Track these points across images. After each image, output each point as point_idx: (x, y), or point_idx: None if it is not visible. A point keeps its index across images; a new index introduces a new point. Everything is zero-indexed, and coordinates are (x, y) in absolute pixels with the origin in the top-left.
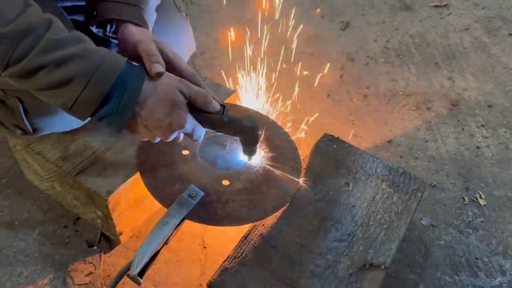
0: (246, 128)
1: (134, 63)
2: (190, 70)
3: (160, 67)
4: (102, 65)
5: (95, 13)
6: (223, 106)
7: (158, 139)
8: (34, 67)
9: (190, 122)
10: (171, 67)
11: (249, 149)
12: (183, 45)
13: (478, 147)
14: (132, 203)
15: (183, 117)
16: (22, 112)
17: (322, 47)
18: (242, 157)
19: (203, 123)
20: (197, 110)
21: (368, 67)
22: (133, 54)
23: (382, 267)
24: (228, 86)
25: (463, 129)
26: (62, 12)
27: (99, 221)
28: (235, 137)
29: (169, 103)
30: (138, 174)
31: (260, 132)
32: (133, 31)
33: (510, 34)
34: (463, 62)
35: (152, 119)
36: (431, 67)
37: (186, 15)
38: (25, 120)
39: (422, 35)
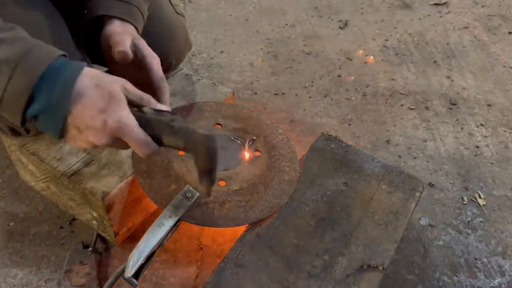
0: (200, 137)
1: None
2: (160, 74)
3: (125, 48)
4: (31, 53)
5: (85, 11)
6: (173, 113)
7: (94, 147)
8: None
9: (131, 123)
10: (142, 65)
11: (206, 172)
12: (177, 44)
13: (477, 147)
14: (128, 204)
15: (121, 115)
16: None
17: (320, 46)
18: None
19: (148, 130)
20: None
21: (366, 66)
22: (106, 44)
23: (380, 268)
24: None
25: (462, 128)
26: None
27: (94, 222)
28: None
29: (105, 98)
30: (133, 175)
31: (216, 147)
32: (115, 26)
33: (509, 33)
34: (462, 60)
35: (83, 117)
36: (430, 66)
37: (182, 14)
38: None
39: (421, 34)
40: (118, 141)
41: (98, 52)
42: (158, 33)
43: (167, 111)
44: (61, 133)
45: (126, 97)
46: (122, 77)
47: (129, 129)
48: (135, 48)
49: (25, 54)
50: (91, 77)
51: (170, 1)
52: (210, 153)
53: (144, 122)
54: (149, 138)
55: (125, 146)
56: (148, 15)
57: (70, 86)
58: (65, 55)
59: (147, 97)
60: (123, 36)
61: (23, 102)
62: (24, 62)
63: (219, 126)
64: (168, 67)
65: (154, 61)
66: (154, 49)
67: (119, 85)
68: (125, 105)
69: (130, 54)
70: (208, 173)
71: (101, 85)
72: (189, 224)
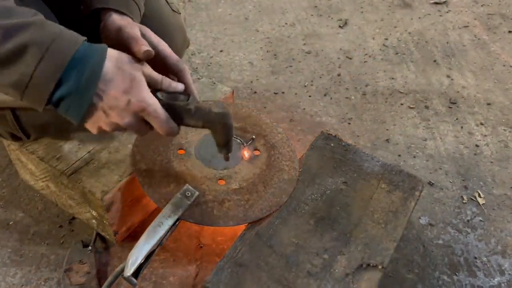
0: (216, 116)
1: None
2: (174, 56)
3: (148, 47)
4: (60, 36)
5: (82, 7)
6: (188, 95)
7: (115, 129)
8: None
9: (154, 102)
10: (156, 52)
11: (224, 144)
12: (175, 42)
13: (477, 146)
14: (128, 203)
15: (143, 95)
16: (14, 121)
17: (320, 45)
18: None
19: (169, 112)
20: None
21: (366, 65)
22: (115, 40)
23: (380, 267)
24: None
25: (462, 127)
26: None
27: (94, 221)
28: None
29: (128, 80)
30: (133, 174)
31: (231, 122)
32: (115, 19)
33: (509, 31)
34: (462, 59)
35: (109, 98)
36: (430, 65)
37: (178, 11)
38: (18, 128)
39: (421, 33)
40: (139, 122)
41: None
42: (155, 32)
43: (180, 93)
44: (84, 115)
45: (145, 77)
46: None
47: (152, 108)
48: (142, 35)
49: (56, 37)
50: (115, 59)
51: (166, 0)
52: (226, 128)
53: (164, 105)
54: (170, 119)
55: (145, 128)
56: (145, 15)
57: (98, 69)
58: (86, 40)
59: (163, 79)
60: (134, 29)
61: (52, 84)
62: (55, 45)
63: None
64: None
65: (165, 47)
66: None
67: (139, 67)
68: (146, 86)
69: (153, 51)
70: (226, 144)
71: (124, 67)
72: (188, 223)
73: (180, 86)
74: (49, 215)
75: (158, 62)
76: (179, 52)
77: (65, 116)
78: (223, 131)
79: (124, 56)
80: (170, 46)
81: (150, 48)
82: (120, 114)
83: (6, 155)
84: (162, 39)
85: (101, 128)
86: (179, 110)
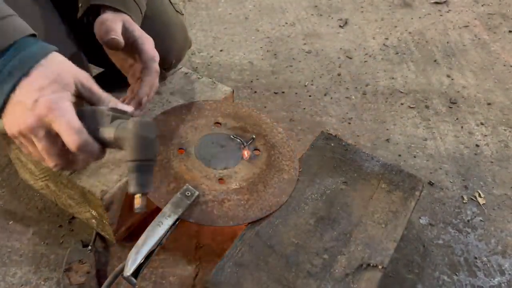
0: (129, 125)
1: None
2: (151, 53)
3: (118, 37)
4: (7, 19)
5: (80, 5)
6: (134, 116)
7: (19, 135)
8: None
9: (65, 107)
10: (134, 47)
11: (132, 168)
12: (177, 43)
13: (477, 145)
14: (127, 203)
15: (57, 97)
16: None
17: (320, 44)
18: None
19: (85, 122)
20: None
21: (366, 65)
22: (99, 35)
23: (380, 267)
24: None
25: (462, 127)
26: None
27: (93, 220)
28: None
29: (49, 78)
30: None
31: (151, 144)
32: (107, 14)
33: (510, 31)
34: (462, 59)
35: (19, 92)
36: (430, 64)
37: (181, 12)
38: None
39: (421, 32)
40: (44, 132)
41: (98, 53)
42: (158, 33)
43: (127, 112)
44: (2, 107)
45: (78, 90)
46: (121, 66)
47: (60, 112)
48: (126, 32)
49: (1, 18)
50: (54, 61)
51: (169, 0)
52: (140, 142)
53: (80, 113)
54: (83, 128)
55: (52, 144)
56: (148, 16)
57: (29, 61)
58: (35, 35)
59: (103, 97)
60: (113, 22)
61: None
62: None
63: (219, 125)
64: (168, 66)
65: (146, 41)
66: None
67: (74, 74)
68: (67, 92)
69: (121, 41)
70: (135, 168)
71: (55, 69)
72: (188, 223)
73: (126, 108)
74: (48, 214)
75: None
76: (180, 52)
77: None
78: (134, 145)
79: (69, 62)
80: (172, 46)
81: (116, 37)
82: (23, 112)
83: (6, 155)
84: (164, 40)
85: (10, 128)
86: (96, 117)
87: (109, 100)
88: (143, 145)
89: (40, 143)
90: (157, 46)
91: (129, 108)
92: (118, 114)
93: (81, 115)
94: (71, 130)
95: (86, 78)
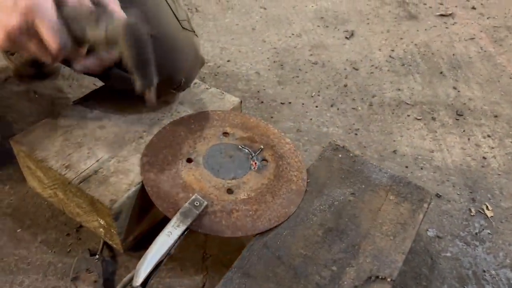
0: (119, 23)
1: None
2: None
3: None
4: None
5: None
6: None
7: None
8: None
9: (46, 5)
10: None
11: (133, 67)
12: (184, 61)
13: (484, 158)
14: (136, 212)
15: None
16: None
17: (326, 55)
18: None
19: (69, 23)
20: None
21: (372, 76)
22: None
23: (389, 279)
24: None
25: (469, 139)
26: None
27: (101, 229)
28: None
29: None
30: (141, 183)
31: (143, 35)
32: None
33: None
34: (468, 71)
35: None
36: (436, 76)
37: (191, 29)
38: None
39: (427, 44)
40: (29, 30)
41: None
42: (164, 52)
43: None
44: None
45: None
46: None
47: (42, 9)
48: None
49: None
50: None
51: (176, 17)
52: (134, 43)
53: (63, 12)
54: (63, 31)
55: (34, 40)
56: (153, 35)
57: None
58: None
59: None
60: None
61: None
62: None
63: (227, 135)
64: (177, 86)
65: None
66: (158, 69)
67: None
68: None
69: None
70: (137, 68)
71: None
72: (195, 233)
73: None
74: (56, 223)
75: None
76: (190, 71)
77: None
78: (130, 47)
79: None
80: (178, 65)
81: None
82: (6, 13)
83: (15, 163)
84: (168, 59)
85: None
86: (81, 17)
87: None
88: (138, 42)
89: (31, 42)
90: (163, 67)
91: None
92: (99, 12)
93: (63, 12)
94: (52, 30)
95: None
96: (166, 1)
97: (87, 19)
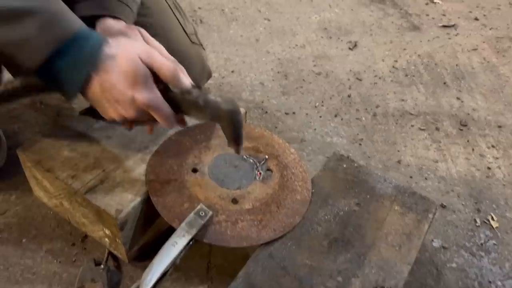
0: (223, 112)
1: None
2: (170, 57)
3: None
4: (66, 12)
5: None
6: (198, 87)
7: (123, 119)
8: None
9: (158, 99)
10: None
11: (232, 139)
12: (191, 74)
13: (489, 168)
14: (141, 222)
15: (148, 92)
16: None
17: (330, 66)
18: (252, 175)
19: (175, 106)
20: (167, 89)
21: (376, 87)
22: None
23: None
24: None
25: (473, 149)
26: None
27: (107, 239)
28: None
29: (131, 74)
30: (147, 193)
31: (241, 117)
32: (111, 24)
33: None
34: (472, 82)
35: (113, 91)
36: (439, 87)
37: (198, 43)
38: None
39: (430, 55)
40: (145, 115)
41: None
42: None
43: (191, 86)
44: (82, 86)
45: (152, 69)
46: None
47: (156, 105)
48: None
49: (62, 12)
50: (113, 49)
51: (185, 31)
52: (235, 125)
53: (170, 98)
54: (174, 114)
55: (151, 119)
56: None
57: (97, 51)
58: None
59: (174, 76)
60: (133, 31)
61: (46, 50)
62: (60, 18)
63: None
64: None
65: (162, 51)
66: None
67: (139, 56)
68: (150, 79)
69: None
70: (235, 139)
71: (124, 57)
72: (199, 243)
73: (186, 83)
74: (62, 233)
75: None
76: (198, 83)
77: (53, 87)
78: (231, 127)
79: (128, 41)
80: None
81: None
82: (125, 108)
83: (21, 172)
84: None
85: (109, 115)
86: (187, 104)
87: (175, 79)
88: (238, 123)
89: (140, 122)
90: None
91: (188, 83)
92: (204, 99)
93: (170, 99)
94: (166, 119)
95: (146, 51)
96: (175, 16)
97: (194, 105)
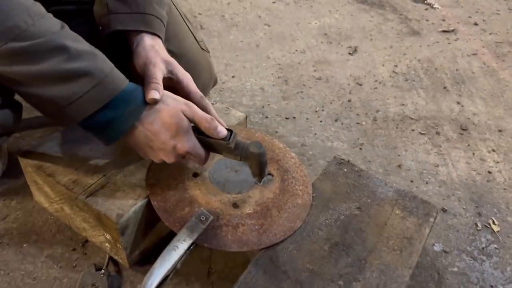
0: (252, 155)
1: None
2: (198, 93)
3: (156, 94)
4: (114, 71)
5: (100, 28)
6: (230, 131)
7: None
8: (52, 47)
9: (196, 147)
10: (180, 88)
11: (258, 175)
12: (201, 80)
13: (489, 172)
14: (142, 227)
15: (188, 141)
16: None
17: (330, 71)
18: (252, 180)
19: (209, 147)
20: (203, 134)
21: (376, 91)
22: (141, 70)
23: None
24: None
25: (473, 153)
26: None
27: (107, 244)
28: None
29: (174, 126)
30: (148, 198)
31: (266, 159)
32: (146, 46)
33: None
34: (472, 86)
35: (157, 141)
36: (439, 91)
37: (207, 50)
38: None
39: (430, 60)
40: (183, 158)
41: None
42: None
43: (225, 128)
44: (125, 134)
45: (188, 119)
46: None
47: (194, 152)
48: (168, 71)
49: (111, 71)
50: (156, 104)
51: (195, 38)
52: (261, 165)
53: (205, 143)
54: (208, 155)
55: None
56: (175, 53)
57: (141, 105)
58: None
59: (208, 119)
60: (157, 66)
61: (95, 108)
62: (110, 77)
63: None
64: None
65: (190, 82)
66: None
67: (182, 110)
68: (190, 130)
69: (159, 98)
70: (259, 175)
71: (167, 111)
72: (200, 247)
73: (223, 133)
74: (62, 237)
75: (183, 96)
76: (205, 89)
77: (94, 134)
78: (258, 167)
79: (170, 96)
80: (196, 83)
81: (156, 97)
82: (167, 155)
83: (22, 178)
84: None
85: (149, 158)
86: (220, 148)
87: (212, 128)
88: (263, 164)
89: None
90: None
91: (224, 133)
92: (235, 143)
93: (205, 144)
94: (201, 161)
95: (188, 106)
96: (186, 24)
97: (226, 148)
